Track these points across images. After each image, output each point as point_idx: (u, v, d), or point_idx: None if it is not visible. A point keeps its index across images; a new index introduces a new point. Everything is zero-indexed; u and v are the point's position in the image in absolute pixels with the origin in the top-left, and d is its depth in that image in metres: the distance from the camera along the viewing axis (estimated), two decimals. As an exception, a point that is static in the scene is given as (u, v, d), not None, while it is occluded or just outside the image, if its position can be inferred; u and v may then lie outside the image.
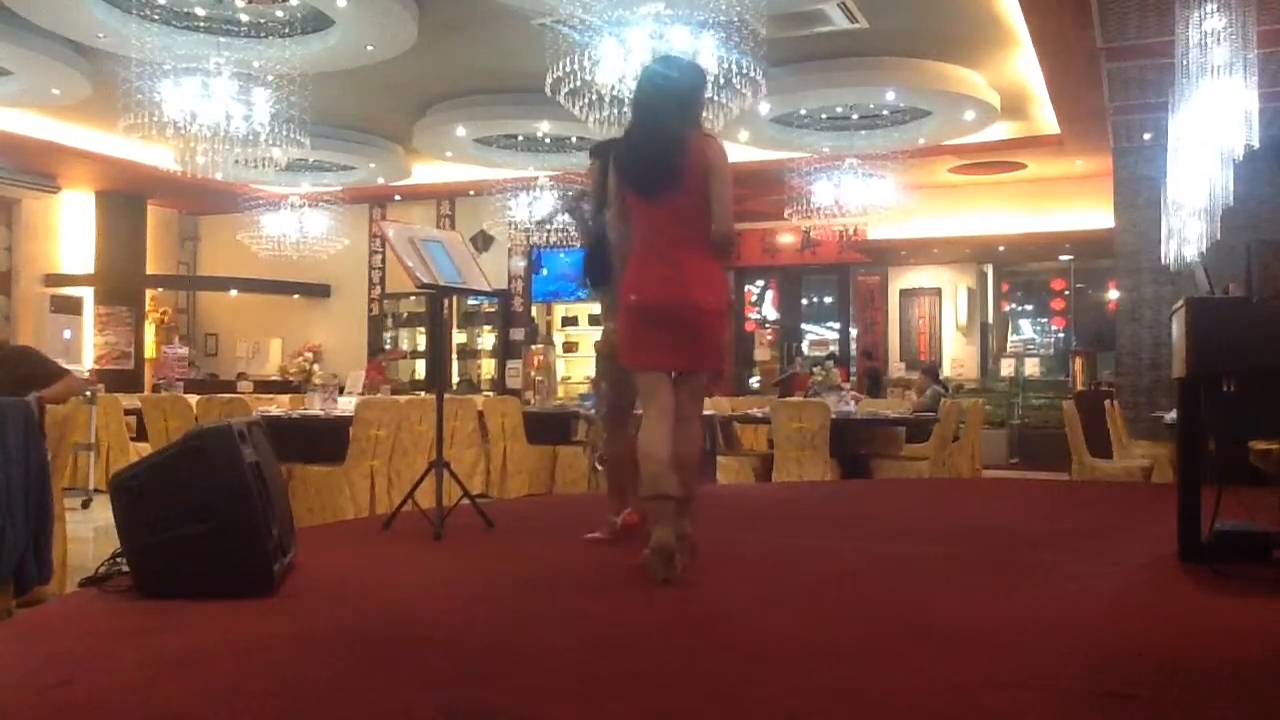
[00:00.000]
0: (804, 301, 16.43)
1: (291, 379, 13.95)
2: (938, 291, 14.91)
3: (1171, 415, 6.24)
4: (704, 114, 3.80)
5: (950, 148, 11.59)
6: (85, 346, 14.10)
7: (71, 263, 14.12)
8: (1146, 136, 10.22)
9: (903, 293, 15.11)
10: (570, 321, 15.80)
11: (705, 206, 3.55)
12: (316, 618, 3.08)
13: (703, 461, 3.59)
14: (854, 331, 15.55)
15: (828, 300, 16.24)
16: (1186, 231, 8.05)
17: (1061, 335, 15.40)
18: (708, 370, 3.67)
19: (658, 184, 3.60)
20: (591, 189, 4.54)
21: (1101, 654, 2.73)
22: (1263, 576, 3.66)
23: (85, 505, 7.73)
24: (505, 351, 14.67)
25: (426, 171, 13.45)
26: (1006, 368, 14.11)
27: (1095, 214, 12.13)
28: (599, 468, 7.56)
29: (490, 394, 12.22)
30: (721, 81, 7.53)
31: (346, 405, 7.10)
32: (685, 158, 3.57)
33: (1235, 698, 2.38)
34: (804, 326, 16.33)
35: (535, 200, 12.31)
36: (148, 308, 15.06)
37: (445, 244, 5.00)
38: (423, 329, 15.40)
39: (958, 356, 14.79)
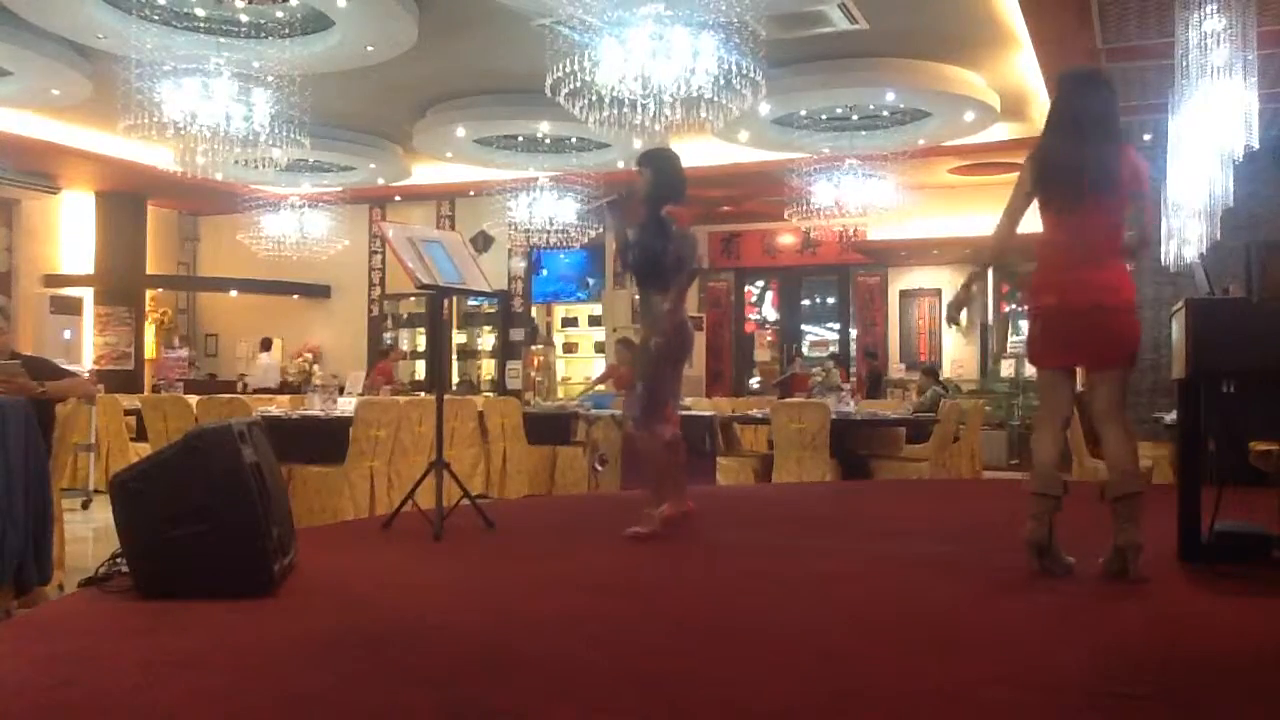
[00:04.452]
0: (804, 302, 16.42)
1: (291, 379, 13.98)
2: (938, 292, 14.90)
3: (1171, 415, 6.23)
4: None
5: (950, 148, 11.58)
6: (85, 347, 14.07)
7: (71, 263, 14.11)
8: (1146, 137, 10.20)
9: (903, 293, 15.11)
10: (570, 322, 15.79)
11: (1122, 213, 3.79)
12: (316, 618, 3.08)
13: (1130, 458, 3.68)
14: (854, 332, 15.55)
15: (828, 301, 16.23)
16: (1186, 232, 8.04)
17: (1062, 336, 15.36)
18: (1113, 365, 3.73)
19: (1091, 193, 3.77)
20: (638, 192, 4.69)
21: (1101, 654, 2.73)
22: (1263, 576, 3.66)
23: (85, 505, 7.73)
24: (505, 352, 14.67)
25: (426, 172, 13.43)
26: (1006, 368, 14.07)
27: (1095, 214, 12.12)
28: (599, 468, 7.57)
29: (490, 394, 12.21)
30: (721, 82, 7.53)
31: (346, 406, 7.10)
32: (1120, 168, 3.79)
33: (1235, 697, 2.38)
34: (804, 327, 16.32)
35: (535, 201, 12.30)
36: (148, 308, 15.05)
37: (445, 244, 5.01)
38: (423, 329, 15.39)
39: (957, 357, 14.78)
